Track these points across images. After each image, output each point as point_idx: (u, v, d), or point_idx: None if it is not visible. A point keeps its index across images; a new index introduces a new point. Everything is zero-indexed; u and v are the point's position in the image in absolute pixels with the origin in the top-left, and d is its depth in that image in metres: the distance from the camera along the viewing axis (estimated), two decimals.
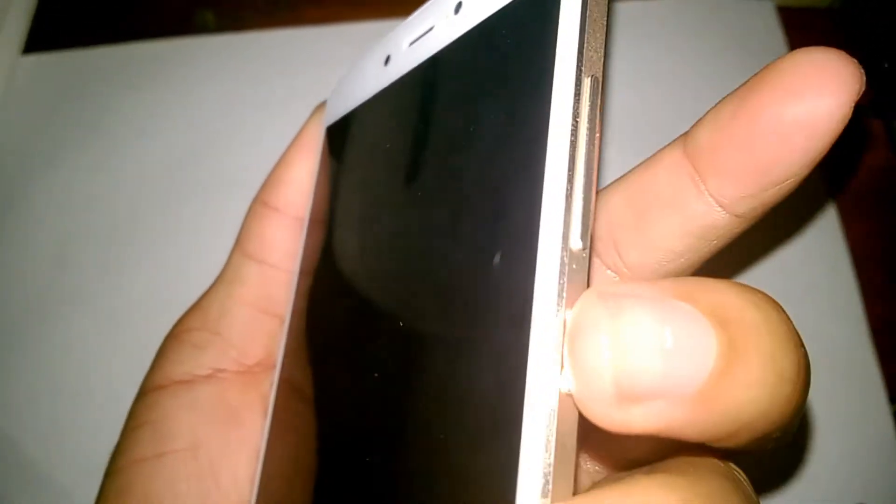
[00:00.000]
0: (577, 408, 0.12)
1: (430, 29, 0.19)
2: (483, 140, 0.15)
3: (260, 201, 0.24)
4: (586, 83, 0.13)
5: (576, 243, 0.12)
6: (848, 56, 0.13)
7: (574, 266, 0.12)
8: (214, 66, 0.38)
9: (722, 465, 0.14)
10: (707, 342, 0.11)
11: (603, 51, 0.14)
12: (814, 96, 0.13)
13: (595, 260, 0.18)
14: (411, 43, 0.20)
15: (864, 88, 0.13)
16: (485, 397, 0.13)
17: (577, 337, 0.11)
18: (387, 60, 0.21)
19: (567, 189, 0.13)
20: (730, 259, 0.34)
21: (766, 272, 0.34)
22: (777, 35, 0.39)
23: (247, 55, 0.38)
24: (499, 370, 0.13)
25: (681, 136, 0.16)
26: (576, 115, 0.13)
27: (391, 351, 0.17)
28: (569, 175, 0.13)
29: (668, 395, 0.11)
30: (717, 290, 0.12)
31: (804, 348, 0.13)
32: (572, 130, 0.13)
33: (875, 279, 0.34)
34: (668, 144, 0.16)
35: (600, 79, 0.14)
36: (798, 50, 0.13)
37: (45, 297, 0.35)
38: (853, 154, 0.37)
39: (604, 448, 0.18)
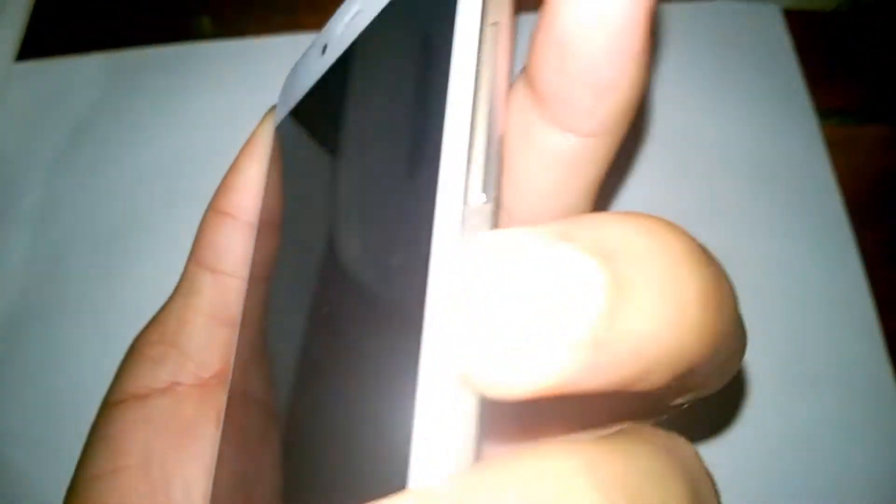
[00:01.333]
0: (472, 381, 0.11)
1: (357, 12, 0.19)
2: (397, 105, 0.15)
3: (212, 209, 0.23)
4: (489, 31, 0.13)
5: (478, 197, 0.12)
6: None
7: (476, 222, 0.11)
8: (211, 72, 0.38)
9: (662, 437, 0.13)
10: (590, 280, 0.10)
11: None
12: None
13: None
14: (343, 28, 0.20)
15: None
16: (385, 375, 0.12)
17: (451, 295, 0.10)
18: (324, 49, 0.21)
19: (467, 140, 0.12)
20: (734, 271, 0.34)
21: (774, 281, 0.33)
22: (783, 39, 0.38)
23: (244, 62, 0.38)
24: (397, 342, 0.12)
25: (522, 70, 0.15)
26: (478, 62, 0.12)
27: (317, 340, 0.16)
28: (470, 124, 0.12)
29: (555, 344, 0.10)
30: (599, 225, 0.11)
31: (714, 268, 0.12)
32: (475, 77, 0.12)
33: (890, 288, 0.33)
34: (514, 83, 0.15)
35: (505, 24, 0.13)
36: None
37: (38, 305, 0.34)
38: (863, 159, 0.37)
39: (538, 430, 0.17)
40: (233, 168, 0.23)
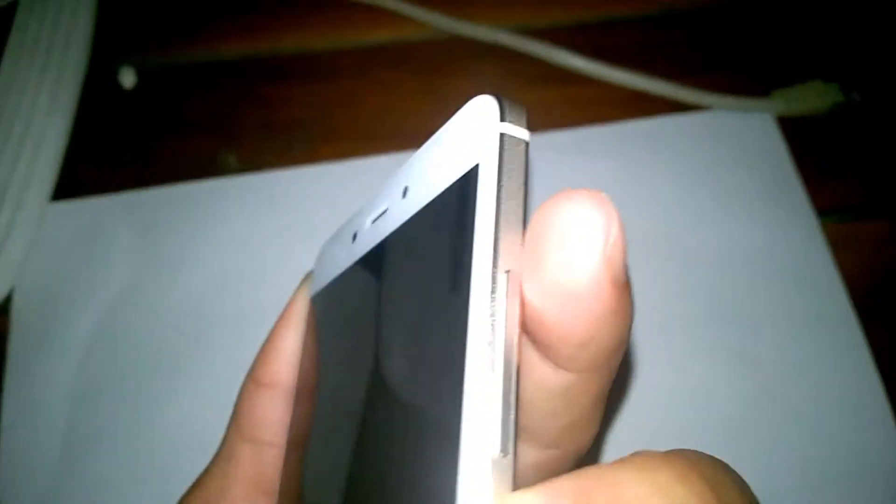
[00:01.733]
0: None
1: (385, 211, 0.20)
2: (421, 320, 0.16)
3: (252, 379, 0.25)
4: (501, 279, 0.13)
5: (495, 452, 0.12)
6: (588, 203, 0.13)
7: (495, 477, 0.12)
8: (237, 204, 0.40)
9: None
10: None
11: (520, 240, 0.14)
12: (557, 272, 0.13)
13: None
14: (373, 221, 0.21)
15: (615, 228, 0.13)
16: None
17: None
18: (354, 237, 0.22)
19: (484, 403, 0.12)
20: (745, 373, 0.34)
21: (786, 382, 0.34)
22: (778, 144, 0.40)
23: (267, 193, 0.40)
24: None
25: None
26: (492, 316, 0.13)
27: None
28: (485, 389, 0.13)
29: None
30: (616, 484, 0.11)
31: None
32: (490, 330, 0.13)
33: None
34: None
35: (518, 272, 0.14)
36: (537, 220, 0.14)
37: (72, 438, 0.35)
38: (865, 255, 0.38)
39: None
40: (272, 337, 0.25)
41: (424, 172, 0.18)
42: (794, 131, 0.41)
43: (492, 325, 0.13)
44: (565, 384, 0.15)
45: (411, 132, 0.41)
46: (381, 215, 0.20)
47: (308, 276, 0.26)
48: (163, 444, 0.35)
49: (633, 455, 0.12)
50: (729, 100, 0.40)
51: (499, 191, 0.14)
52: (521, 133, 0.15)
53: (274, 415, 0.24)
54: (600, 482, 0.11)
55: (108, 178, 0.41)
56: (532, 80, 0.43)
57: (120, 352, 0.37)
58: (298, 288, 0.25)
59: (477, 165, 0.15)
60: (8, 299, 0.38)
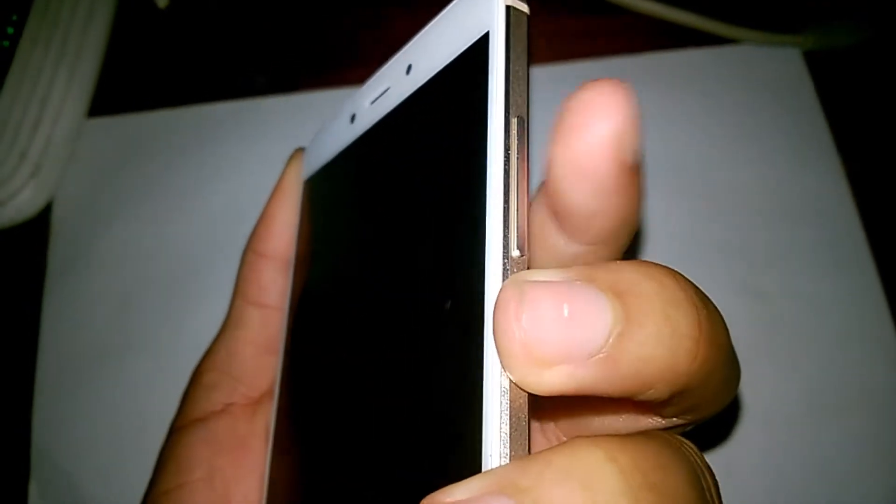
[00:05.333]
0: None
1: (387, 90, 0.21)
2: (433, 180, 0.18)
3: (252, 250, 0.27)
4: (514, 123, 0.16)
5: (515, 252, 0.15)
6: (610, 88, 0.15)
7: (515, 270, 0.15)
8: (268, 124, 0.41)
9: (668, 436, 0.16)
10: (603, 311, 0.13)
11: (526, 95, 0.16)
12: (572, 146, 0.15)
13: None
14: (372, 102, 0.22)
15: (628, 113, 0.14)
16: (449, 387, 0.15)
17: (495, 319, 0.14)
18: (352, 118, 0.23)
19: (504, 209, 0.15)
20: (763, 307, 0.35)
21: (800, 317, 0.35)
22: (806, 81, 0.40)
23: (297, 115, 0.41)
24: (461, 361, 0.15)
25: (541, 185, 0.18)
26: (507, 149, 0.15)
27: (371, 367, 0.19)
28: (505, 199, 0.15)
29: (573, 357, 0.13)
30: (615, 270, 0.14)
31: (707, 308, 0.15)
32: (505, 162, 0.15)
33: None
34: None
35: (525, 118, 0.16)
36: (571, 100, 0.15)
37: (109, 342, 0.37)
38: (889, 196, 0.38)
39: (568, 424, 0.20)
40: (266, 213, 0.27)
41: (429, 49, 0.19)
42: (821, 67, 0.40)
43: (507, 158, 0.15)
44: (574, 254, 0.17)
45: None
46: (381, 95, 0.22)
47: (296, 153, 0.27)
48: (197, 351, 0.36)
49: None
50: (757, 33, 0.40)
51: (507, 50, 0.16)
52: (523, 6, 0.17)
53: (274, 281, 0.26)
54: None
55: (142, 97, 0.42)
56: (558, 9, 0.43)
57: (154, 262, 0.38)
58: (287, 169, 0.27)
59: (487, 33, 0.17)
60: (48, 210, 0.40)
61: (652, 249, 0.36)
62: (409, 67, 0.20)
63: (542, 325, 0.13)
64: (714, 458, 0.26)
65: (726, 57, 0.41)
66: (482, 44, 0.17)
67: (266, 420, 0.26)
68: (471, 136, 0.16)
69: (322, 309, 0.23)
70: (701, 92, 0.40)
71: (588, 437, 0.14)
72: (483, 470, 0.14)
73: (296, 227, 0.26)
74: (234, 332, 0.26)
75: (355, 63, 0.42)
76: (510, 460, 0.14)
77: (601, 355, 0.13)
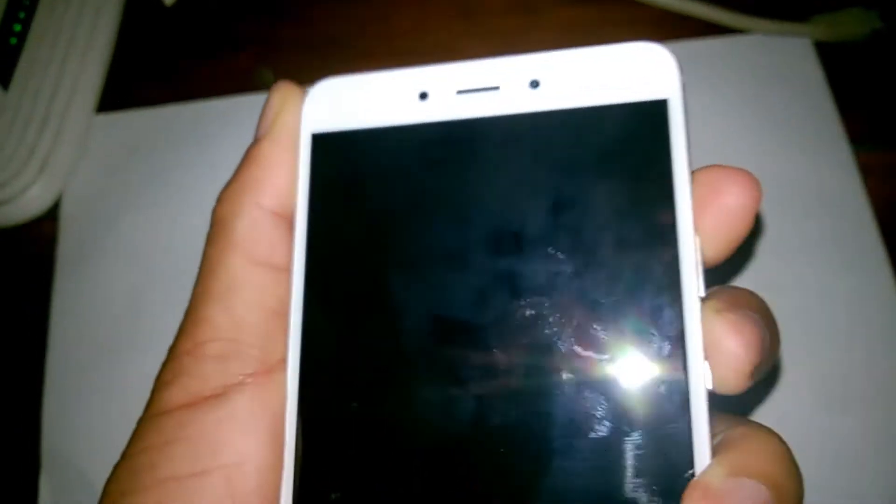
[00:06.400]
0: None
1: (495, 88, 0.22)
2: (609, 215, 0.20)
3: (253, 203, 0.23)
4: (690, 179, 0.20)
5: (701, 293, 0.20)
6: (746, 172, 0.21)
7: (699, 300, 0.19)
8: None
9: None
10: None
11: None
12: (729, 199, 0.20)
13: None
14: (461, 91, 0.22)
15: (760, 192, 0.21)
16: (656, 398, 0.19)
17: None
18: (423, 96, 0.22)
19: (696, 261, 0.20)
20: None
21: (812, 310, 0.34)
22: (815, 70, 0.39)
23: None
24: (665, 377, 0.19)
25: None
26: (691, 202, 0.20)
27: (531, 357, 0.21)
28: (696, 256, 0.20)
29: None
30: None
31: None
32: (693, 220, 0.20)
33: None
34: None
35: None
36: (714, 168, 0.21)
37: (118, 339, 0.37)
38: None
39: None
40: (263, 161, 0.23)
41: (571, 78, 0.21)
42: (832, 57, 0.40)
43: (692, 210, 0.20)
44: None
45: (442, 50, 0.42)
46: (479, 90, 0.22)
47: (287, 91, 0.24)
48: None
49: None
50: (767, 23, 0.40)
51: (687, 133, 0.21)
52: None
53: (284, 241, 0.23)
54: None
55: (149, 93, 0.42)
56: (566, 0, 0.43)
57: (164, 258, 0.38)
58: (282, 108, 0.24)
59: (666, 101, 0.21)
60: (57, 206, 0.40)
61: None
62: (536, 83, 0.21)
63: None
64: None
65: (736, 47, 0.40)
66: (660, 108, 0.21)
67: (280, 394, 0.22)
68: (652, 184, 0.20)
69: (405, 295, 0.22)
70: (710, 82, 0.39)
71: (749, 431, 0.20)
72: (696, 468, 0.18)
73: (305, 184, 0.23)
74: (236, 295, 0.22)
75: (361, 58, 0.42)
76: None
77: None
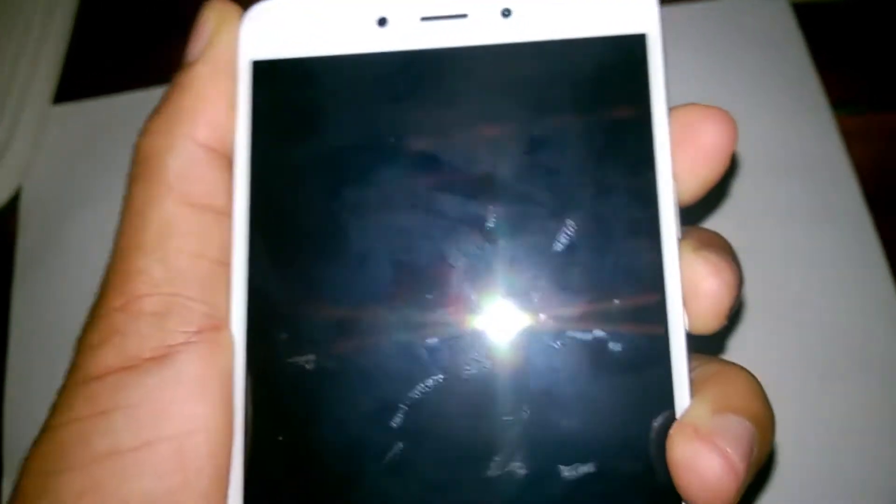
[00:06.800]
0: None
1: (462, 16, 0.20)
2: (584, 154, 0.20)
3: (187, 137, 0.20)
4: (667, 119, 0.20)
5: (678, 234, 0.19)
6: (723, 111, 0.20)
7: (677, 241, 0.19)
8: None
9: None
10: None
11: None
12: (706, 138, 0.20)
13: None
14: (424, 18, 0.21)
15: (736, 132, 0.20)
16: (635, 346, 0.19)
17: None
18: (382, 22, 0.21)
19: (675, 200, 0.19)
20: (757, 263, 0.34)
21: (796, 272, 0.34)
22: (793, 32, 0.38)
23: None
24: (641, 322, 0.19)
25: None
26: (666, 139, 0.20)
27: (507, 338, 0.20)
28: (674, 195, 0.19)
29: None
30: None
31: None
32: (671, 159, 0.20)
33: None
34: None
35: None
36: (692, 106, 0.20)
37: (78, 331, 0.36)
38: (878, 147, 0.37)
39: None
40: (197, 91, 0.20)
41: (545, 8, 0.20)
42: (810, 19, 0.39)
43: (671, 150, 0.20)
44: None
45: None
46: (445, 18, 0.20)
47: (222, 11, 0.21)
48: None
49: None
50: None
51: (666, 69, 0.20)
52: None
53: (223, 181, 0.21)
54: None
55: (108, 80, 0.41)
56: None
57: None
58: (215, 32, 0.21)
59: (644, 35, 0.20)
60: (15, 199, 0.39)
61: None
62: (508, 12, 0.20)
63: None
64: None
65: (714, 10, 0.39)
66: (639, 43, 0.20)
67: (230, 349, 0.20)
68: (630, 122, 0.20)
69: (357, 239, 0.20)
70: (688, 47, 0.38)
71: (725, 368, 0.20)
72: (677, 407, 0.19)
73: (246, 117, 0.21)
74: (171, 243, 0.20)
75: None
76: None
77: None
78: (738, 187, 0.35)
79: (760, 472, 0.20)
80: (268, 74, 0.21)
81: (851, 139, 0.36)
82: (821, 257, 0.34)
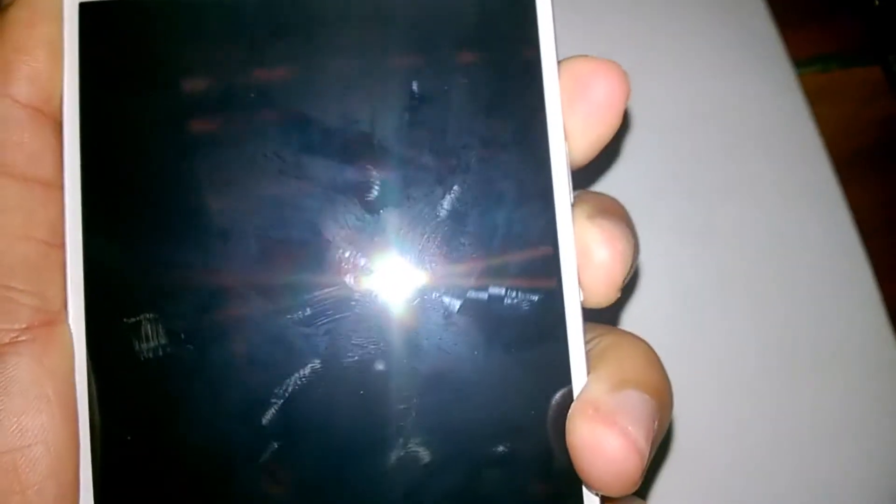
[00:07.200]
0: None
1: None
2: (470, 111, 0.18)
3: (3, 96, 0.18)
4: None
5: (571, 199, 0.18)
6: (614, 64, 0.19)
7: (570, 207, 0.18)
8: None
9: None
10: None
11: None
12: (597, 93, 0.18)
13: None
14: None
15: (629, 86, 0.19)
16: (531, 323, 0.18)
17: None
18: None
19: (566, 161, 0.18)
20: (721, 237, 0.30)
21: (761, 245, 0.31)
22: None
23: None
24: (538, 291, 0.18)
25: None
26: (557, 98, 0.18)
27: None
28: (565, 155, 0.18)
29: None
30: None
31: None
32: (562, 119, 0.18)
33: (887, 253, 0.31)
34: None
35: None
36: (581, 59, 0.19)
37: None
38: (850, 107, 0.34)
39: None
40: (5, 33, 0.18)
41: None
42: None
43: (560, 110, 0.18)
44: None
45: None
46: None
47: None
48: None
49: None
50: None
51: (554, 21, 0.18)
52: None
53: (50, 148, 0.18)
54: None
55: None
56: None
57: None
58: None
59: None
60: None
61: (603, 180, 0.33)
62: None
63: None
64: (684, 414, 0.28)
65: None
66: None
67: (68, 351, 0.18)
68: (518, 76, 0.18)
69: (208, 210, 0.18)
70: (643, 7, 0.35)
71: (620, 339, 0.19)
72: (574, 383, 0.18)
73: (74, 69, 0.18)
74: None
75: None
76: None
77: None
78: (697, 154, 0.33)
79: (661, 445, 0.19)
80: (99, 17, 0.18)
81: (819, 100, 0.33)
82: (787, 230, 0.31)
